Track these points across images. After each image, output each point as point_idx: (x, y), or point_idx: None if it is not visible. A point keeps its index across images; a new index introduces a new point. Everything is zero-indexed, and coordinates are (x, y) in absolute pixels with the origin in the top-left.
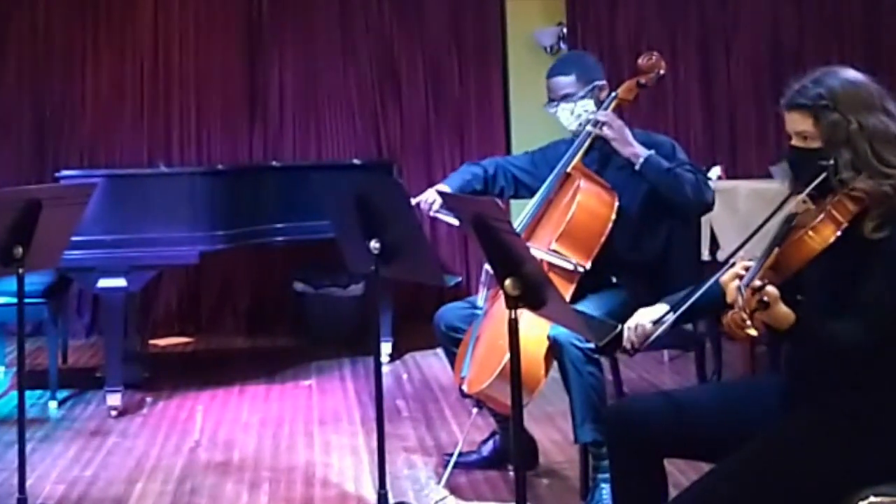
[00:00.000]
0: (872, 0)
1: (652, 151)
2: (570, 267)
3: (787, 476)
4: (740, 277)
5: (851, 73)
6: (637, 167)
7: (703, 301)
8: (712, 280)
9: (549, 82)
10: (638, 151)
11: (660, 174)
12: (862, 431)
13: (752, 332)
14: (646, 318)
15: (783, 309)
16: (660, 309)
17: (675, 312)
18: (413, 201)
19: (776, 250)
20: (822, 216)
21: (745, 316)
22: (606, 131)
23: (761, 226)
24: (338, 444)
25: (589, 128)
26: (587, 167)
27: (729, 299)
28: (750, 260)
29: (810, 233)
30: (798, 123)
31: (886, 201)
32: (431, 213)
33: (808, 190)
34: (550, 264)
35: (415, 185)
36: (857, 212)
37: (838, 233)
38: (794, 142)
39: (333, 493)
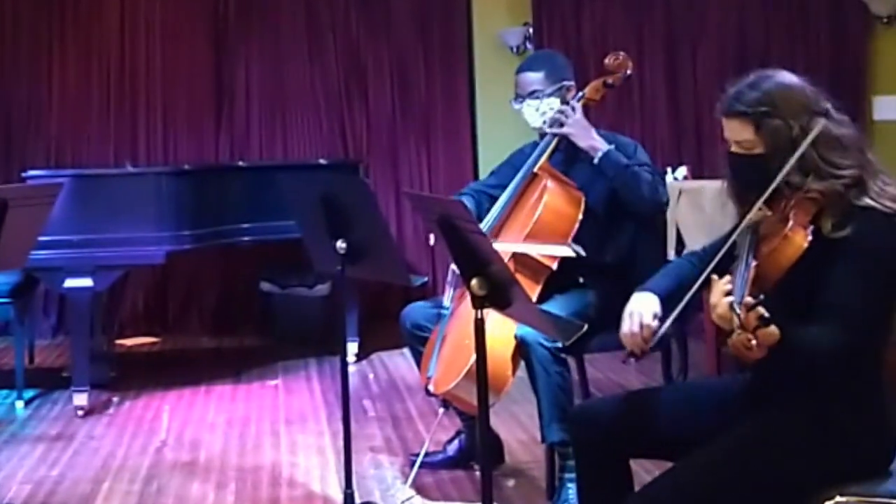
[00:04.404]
0: (838, 2)
1: (612, 146)
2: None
3: (752, 476)
4: (728, 294)
5: (787, 76)
6: (595, 160)
7: (693, 299)
8: (701, 279)
9: (517, 78)
10: (597, 145)
11: (618, 170)
12: (827, 432)
13: (760, 352)
14: (644, 315)
15: (772, 327)
16: (648, 300)
17: (671, 311)
18: (432, 241)
19: (754, 264)
20: (790, 223)
21: (749, 336)
22: (565, 129)
23: (731, 240)
24: (304, 444)
25: (549, 130)
26: (553, 167)
27: (721, 322)
28: (727, 276)
29: (784, 242)
30: (738, 132)
31: (840, 200)
32: None
33: (764, 197)
34: (517, 264)
35: (381, 185)
36: (814, 212)
37: (809, 237)
38: (735, 149)
39: (300, 493)
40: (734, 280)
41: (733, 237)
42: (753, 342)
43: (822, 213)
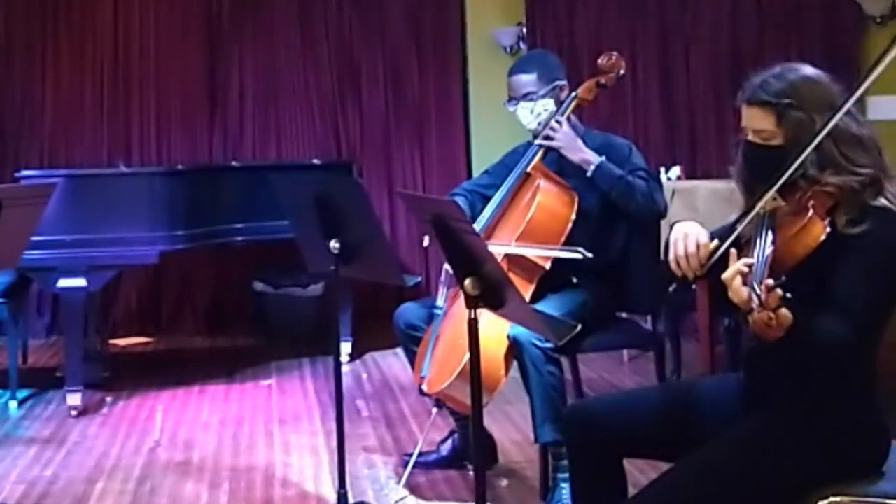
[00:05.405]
0: (831, 1)
1: (603, 158)
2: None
3: (748, 476)
4: (743, 275)
5: (812, 71)
6: (588, 174)
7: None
8: (746, 220)
9: (510, 80)
10: (589, 158)
11: (611, 181)
12: (821, 432)
13: (779, 331)
14: (700, 235)
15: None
16: (695, 225)
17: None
18: (426, 243)
19: (772, 248)
20: (810, 213)
21: (770, 314)
22: (555, 143)
23: (748, 220)
24: (298, 444)
25: (537, 142)
26: (547, 167)
27: (736, 298)
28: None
29: (803, 231)
30: (759, 121)
31: (855, 197)
32: None
33: (777, 185)
34: (511, 264)
35: (374, 185)
36: (830, 206)
37: (828, 229)
38: (752, 137)
39: (293, 493)
40: (753, 260)
41: (746, 221)
42: (773, 321)
43: (836, 208)
